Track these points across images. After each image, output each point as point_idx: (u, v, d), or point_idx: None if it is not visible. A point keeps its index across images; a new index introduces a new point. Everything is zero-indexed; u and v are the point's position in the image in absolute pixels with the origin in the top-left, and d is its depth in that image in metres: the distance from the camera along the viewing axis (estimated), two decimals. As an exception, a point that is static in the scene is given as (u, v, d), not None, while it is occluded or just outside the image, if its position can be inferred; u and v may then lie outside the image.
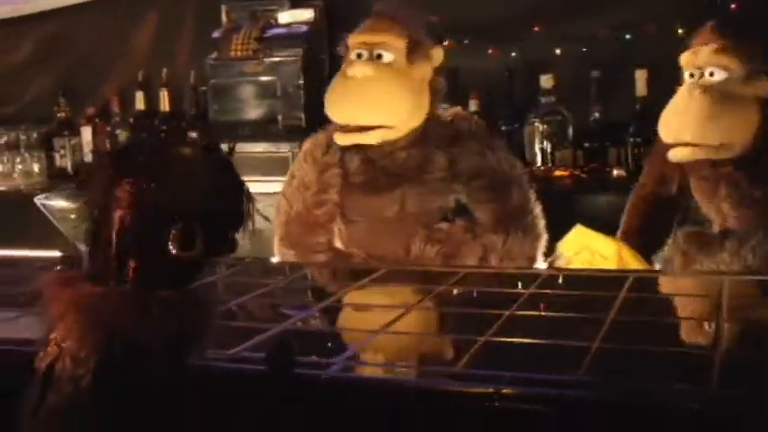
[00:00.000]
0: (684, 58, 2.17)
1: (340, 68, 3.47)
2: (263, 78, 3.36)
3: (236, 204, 1.19)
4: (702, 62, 2.13)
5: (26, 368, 1.15)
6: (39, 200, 1.51)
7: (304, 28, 3.36)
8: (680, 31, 3.18)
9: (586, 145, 3.20)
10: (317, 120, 3.36)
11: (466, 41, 3.29)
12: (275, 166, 3.11)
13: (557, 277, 1.96)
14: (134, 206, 1.14)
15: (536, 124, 3.17)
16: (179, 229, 1.14)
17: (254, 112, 3.40)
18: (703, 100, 2.09)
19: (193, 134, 3.22)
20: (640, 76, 3.09)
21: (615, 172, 3.14)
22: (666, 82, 3.05)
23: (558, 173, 3.13)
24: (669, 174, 2.29)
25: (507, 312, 1.47)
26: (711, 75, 2.13)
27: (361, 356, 1.35)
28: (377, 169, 2.37)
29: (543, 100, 3.19)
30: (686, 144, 2.14)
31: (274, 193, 3.07)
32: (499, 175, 2.37)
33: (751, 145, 2.09)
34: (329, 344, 1.47)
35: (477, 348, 1.29)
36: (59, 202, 1.50)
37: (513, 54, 3.27)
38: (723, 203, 2.14)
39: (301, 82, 3.31)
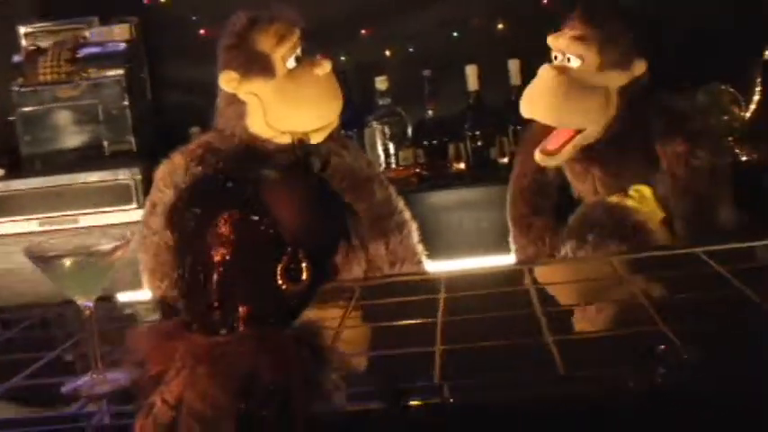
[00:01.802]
0: (551, 41, 2.21)
1: (162, 87, 3.35)
2: (82, 102, 3.12)
3: (338, 225, 1.08)
4: (562, 47, 2.18)
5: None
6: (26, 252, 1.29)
7: (122, 45, 3.16)
8: (500, 26, 3.30)
9: (425, 143, 3.22)
10: (149, 143, 3.20)
11: (294, 48, 3.22)
12: (114, 196, 2.91)
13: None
14: (234, 243, 1.00)
15: (375, 126, 3.16)
16: (286, 261, 1.01)
17: (74, 139, 3.14)
18: (555, 82, 2.14)
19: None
20: (471, 72, 3.16)
21: (455, 167, 3.19)
22: (497, 75, 3.17)
23: (402, 173, 3.13)
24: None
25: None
26: (569, 60, 2.18)
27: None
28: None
29: (380, 102, 3.18)
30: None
31: (116, 224, 2.90)
32: (358, 173, 2.33)
33: (606, 133, 2.14)
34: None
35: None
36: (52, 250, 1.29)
37: (343, 58, 3.23)
38: (597, 183, 2.21)
39: (126, 103, 3.10)
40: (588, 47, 2.14)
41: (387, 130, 3.16)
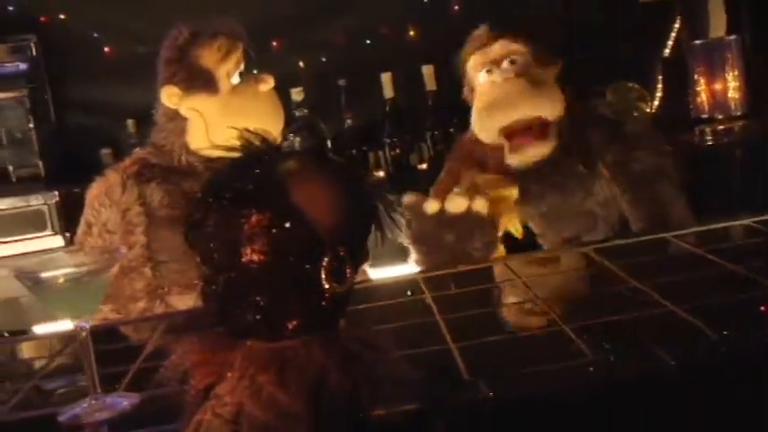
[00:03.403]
0: (474, 61, 2.23)
1: (66, 108, 3.21)
2: (-17, 126, 2.96)
3: (375, 220, 1.02)
4: (496, 55, 2.20)
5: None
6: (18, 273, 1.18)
7: (23, 65, 3.00)
8: (411, 32, 3.32)
9: (344, 152, 3.20)
10: (56, 167, 3.05)
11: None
12: (27, 223, 2.76)
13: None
14: (273, 250, 0.94)
15: (294, 138, 3.12)
16: (329, 262, 0.96)
17: (-25, 166, 2.98)
18: (519, 81, 2.16)
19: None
20: (386, 79, 3.16)
21: (375, 174, 3.18)
22: (411, 81, 3.18)
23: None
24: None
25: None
26: (513, 62, 2.19)
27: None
28: (185, 197, 2.18)
29: (297, 113, 3.14)
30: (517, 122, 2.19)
31: (30, 252, 2.75)
32: None
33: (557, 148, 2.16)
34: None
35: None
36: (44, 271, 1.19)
37: (256, 71, 3.17)
38: (539, 196, 2.23)
39: (31, 126, 2.95)
40: (520, 41, 2.20)
41: (304, 141, 3.12)
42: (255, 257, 0.96)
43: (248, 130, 1.08)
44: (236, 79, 2.17)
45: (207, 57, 2.13)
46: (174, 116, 2.16)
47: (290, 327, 0.96)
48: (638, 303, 1.34)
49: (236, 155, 1.04)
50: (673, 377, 1.08)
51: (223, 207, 0.98)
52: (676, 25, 3.32)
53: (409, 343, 1.29)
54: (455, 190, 2.09)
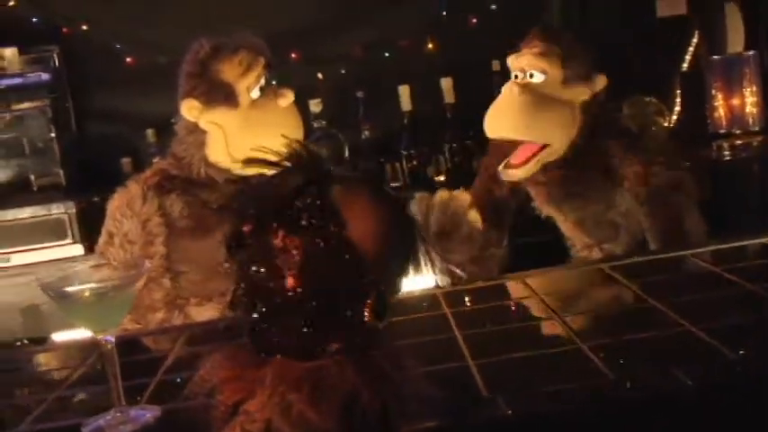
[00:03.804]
0: (510, 61, 2.24)
1: (87, 118, 3.24)
2: (6, 136, 2.99)
3: (414, 248, 1.02)
4: (524, 64, 2.20)
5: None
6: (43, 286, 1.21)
7: (45, 76, 3.04)
8: (429, 45, 3.34)
9: (362, 164, 3.22)
10: (77, 176, 3.09)
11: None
12: (47, 232, 2.80)
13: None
14: (322, 277, 0.96)
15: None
16: (374, 301, 0.97)
17: (-1, 174, 3.02)
18: (521, 98, 2.15)
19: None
20: (404, 92, 3.19)
21: (392, 186, 3.20)
22: (429, 94, 3.21)
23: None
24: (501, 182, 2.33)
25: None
26: (531, 76, 2.20)
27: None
28: (204, 208, 2.20)
29: (315, 124, 3.17)
30: (509, 142, 2.22)
31: (50, 260, 2.78)
32: None
33: (572, 146, 2.18)
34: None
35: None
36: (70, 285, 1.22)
37: (275, 83, 3.20)
38: (562, 203, 2.25)
39: (53, 135, 2.99)
40: (551, 62, 2.16)
41: (324, 152, 3.14)
42: (300, 284, 0.96)
43: (299, 144, 1.04)
44: (256, 93, 2.18)
45: (228, 71, 2.15)
46: (194, 129, 2.18)
47: (325, 351, 0.97)
48: (655, 322, 1.35)
49: (284, 172, 1.01)
50: (690, 397, 1.09)
51: (274, 228, 0.97)
52: (694, 40, 3.33)
53: (429, 359, 1.30)
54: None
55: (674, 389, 1.10)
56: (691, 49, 3.33)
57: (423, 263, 1.03)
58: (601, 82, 2.17)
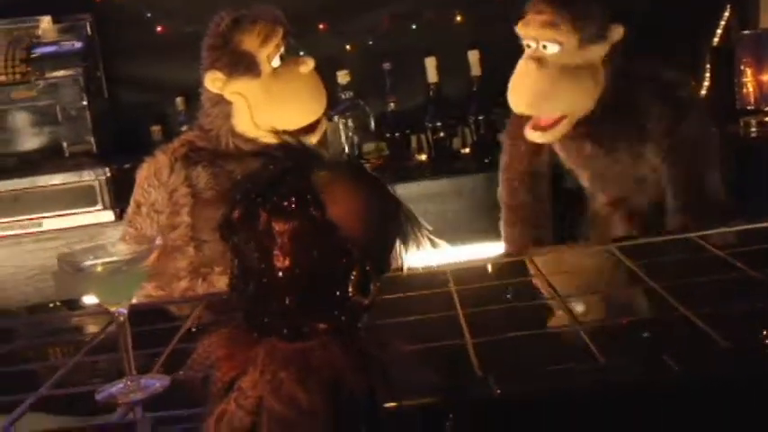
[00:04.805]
0: (519, 29, 2.19)
1: (118, 86, 3.29)
2: (40, 103, 3.04)
3: (399, 229, 1.06)
4: (535, 34, 2.16)
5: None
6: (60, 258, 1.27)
7: (78, 44, 3.09)
8: (458, 17, 3.34)
9: (388, 135, 3.25)
10: (108, 143, 3.15)
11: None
12: (78, 198, 2.87)
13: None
14: (306, 256, 0.99)
15: (339, 120, 3.18)
16: (357, 276, 1.01)
17: (31, 141, 3.07)
18: (538, 76, 2.13)
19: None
20: (430, 64, 3.19)
21: (418, 158, 3.23)
22: (456, 66, 3.21)
23: (367, 166, 3.14)
24: (533, 145, 2.33)
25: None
26: (545, 48, 2.16)
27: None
28: (230, 179, 2.26)
29: (342, 95, 3.19)
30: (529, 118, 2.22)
31: (81, 226, 2.86)
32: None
33: (600, 102, 2.15)
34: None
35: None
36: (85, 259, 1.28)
37: (302, 54, 3.23)
38: (588, 159, 2.25)
39: (85, 103, 3.04)
40: (563, 30, 2.11)
41: (350, 123, 3.18)
42: (287, 265, 1.01)
43: (287, 133, 1.12)
44: (276, 62, 2.24)
45: (248, 41, 2.20)
46: (219, 101, 2.24)
47: (313, 331, 1.02)
48: (653, 306, 1.38)
49: (271, 160, 1.07)
50: (676, 384, 1.12)
51: (260, 213, 1.01)
52: (726, 14, 3.29)
53: (428, 336, 1.35)
54: None
55: (662, 375, 1.13)
56: (722, 22, 3.29)
57: (411, 242, 1.07)
58: (617, 33, 2.13)
